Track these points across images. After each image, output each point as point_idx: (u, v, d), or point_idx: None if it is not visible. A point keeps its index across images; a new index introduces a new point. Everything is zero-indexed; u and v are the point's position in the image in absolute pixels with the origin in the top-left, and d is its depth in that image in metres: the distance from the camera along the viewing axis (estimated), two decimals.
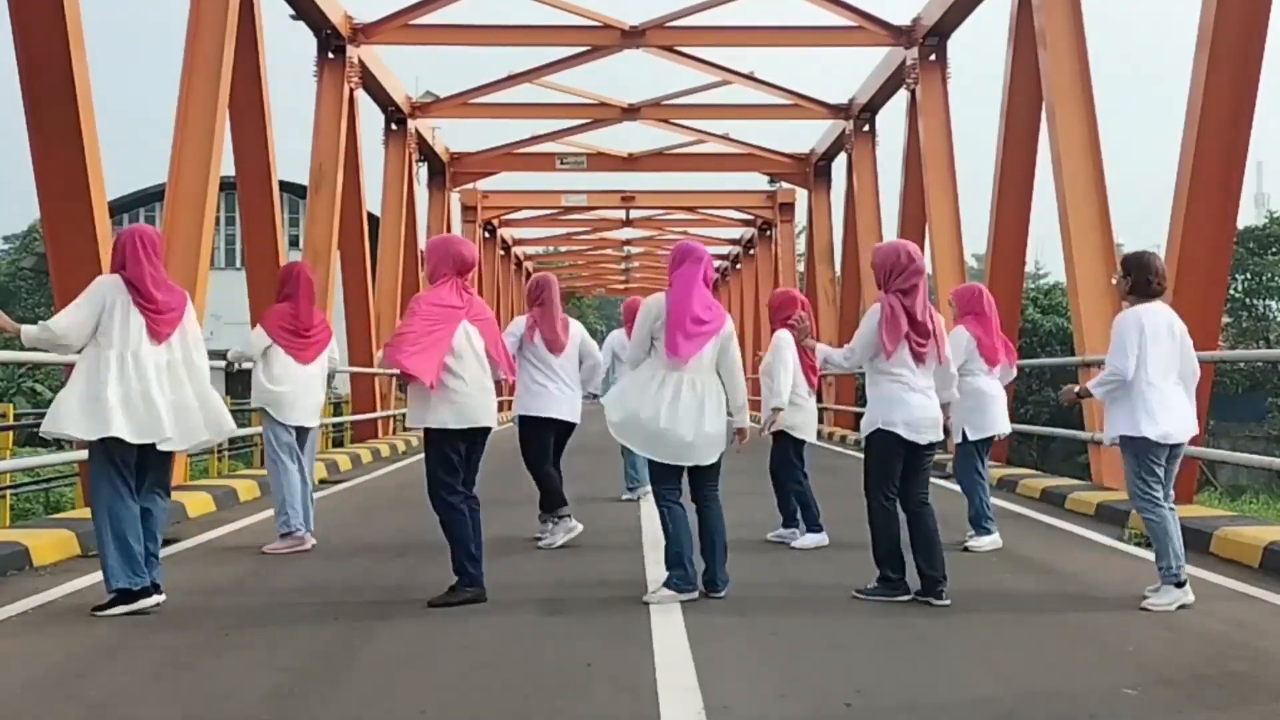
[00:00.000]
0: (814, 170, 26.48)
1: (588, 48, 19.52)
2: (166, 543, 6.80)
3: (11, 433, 11.59)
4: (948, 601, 6.04)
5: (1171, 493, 6.22)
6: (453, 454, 6.16)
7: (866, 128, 22.14)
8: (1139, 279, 6.20)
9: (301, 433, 8.15)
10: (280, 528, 7.89)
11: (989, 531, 7.98)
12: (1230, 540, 7.60)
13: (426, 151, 24.59)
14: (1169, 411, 6.03)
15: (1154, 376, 6.05)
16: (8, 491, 12.34)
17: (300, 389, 7.99)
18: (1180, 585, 5.97)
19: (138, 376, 5.80)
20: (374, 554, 7.82)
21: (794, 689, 4.55)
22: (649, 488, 7.34)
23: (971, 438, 7.88)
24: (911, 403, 6.23)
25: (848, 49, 19.56)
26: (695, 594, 6.10)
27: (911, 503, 6.31)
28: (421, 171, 24.85)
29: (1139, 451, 6.07)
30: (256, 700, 4.39)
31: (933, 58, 17.66)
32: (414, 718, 4.15)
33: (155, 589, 5.86)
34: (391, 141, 22.20)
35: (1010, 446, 14.23)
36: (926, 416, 6.25)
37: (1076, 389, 6.61)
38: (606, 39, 18.95)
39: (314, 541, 7.97)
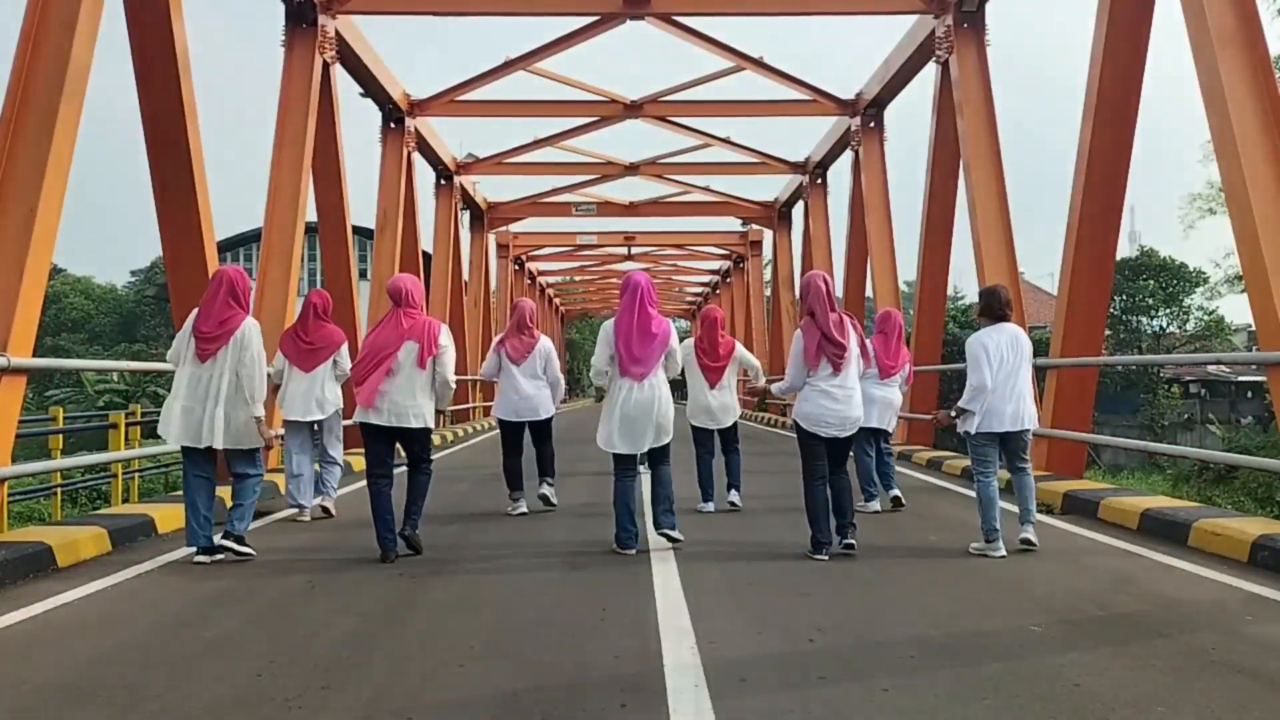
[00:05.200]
0: (778, 215, 26.55)
1: (597, 118, 19.54)
2: (262, 514, 6.77)
3: (139, 427, 11.59)
4: (853, 541, 6.10)
5: (1023, 464, 6.44)
6: (374, 444, 6.25)
7: (820, 180, 22.18)
8: (986, 304, 6.49)
9: (310, 425, 7.86)
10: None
11: (871, 497, 8.07)
12: (1113, 508, 7.59)
13: (469, 201, 24.58)
14: (994, 413, 6.28)
15: (992, 385, 6.29)
16: (135, 474, 12.35)
17: (300, 391, 7.67)
18: (989, 540, 6.21)
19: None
20: (428, 522, 7.75)
21: (767, 628, 4.52)
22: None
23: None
24: (818, 404, 6.22)
25: (805, 118, 19.57)
26: (633, 550, 6.21)
27: (833, 470, 6.31)
28: (465, 217, 24.85)
29: (971, 441, 6.42)
30: (339, 638, 4.38)
31: (872, 124, 17.69)
32: (464, 652, 4.13)
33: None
34: (440, 193, 22.20)
35: (935, 434, 14.23)
36: (833, 415, 6.19)
37: (951, 414, 6.59)
38: (612, 111, 18.97)
39: (316, 512, 7.89)
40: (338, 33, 13.04)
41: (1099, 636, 4.39)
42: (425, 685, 3.70)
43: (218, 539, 6.12)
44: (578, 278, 42.91)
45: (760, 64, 16.66)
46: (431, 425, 6.34)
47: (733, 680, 3.71)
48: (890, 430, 8.34)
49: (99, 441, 14.40)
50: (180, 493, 6.81)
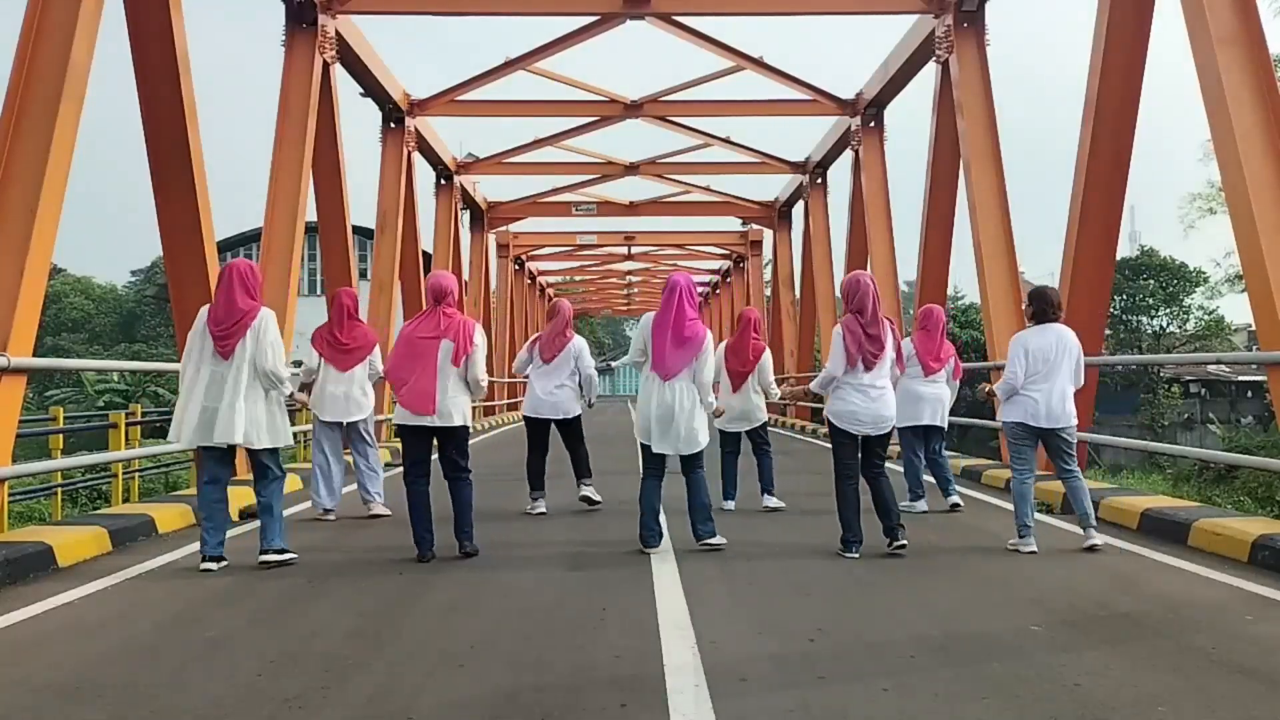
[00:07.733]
0: (778, 214, 26.55)
1: (597, 118, 19.54)
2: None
3: (139, 426, 11.58)
4: (904, 542, 6.10)
5: (1070, 467, 6.44)
6: (413, 445, 6.22)
7: (820, 180, 22.17)
8: (1037, 308, 6.49)
9: (342, 426, 7.91)
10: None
11: (918, 497, 8.05)
12: (1114, 507, 7.58)
13: (469, 201, 24.59)
14: (1026, 403, 6.34)
15: (1028, 380, 6.35)
16: (136, 474, 12.34)
17: (337, 392, 7.74)
18: (1021, 536, 6.32)
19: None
20: None
21: (768, 628, 4.52)
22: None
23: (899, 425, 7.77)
24: (851, 402, 6.21)
25: (805, 118, 19.56)
26: (657, 547, 6.27)
27: (868, 474, 6.31)
28: (465, 217, 24.86)
29: (1009, 432, 6.49)
30: (339, 638, 4.38)
31: (872, 124, 17.70)
32: (464, 651, 4.12)
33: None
34: (441, 193, 22.22)
35: None
36: (866, 414, 6.19)
37: (987, 391, 6.84)
38: (612, 111, 18.97)
39: (380, 510, 7.93)
40: (338, 33, 13.04)
41: (1099, 636, 4.38)
42: (425, 685, 3.70)
43: (260, 558, 5.93)
44: (578, 278, 42.91)
45: (760, 64, 16.65)
46: (470, 424, 6.34)
47: (733, 680, 3.71)
48: (943, 426, 8.17)
49: (99, 441, 14.40)
50: (181, 493, 6.78)
